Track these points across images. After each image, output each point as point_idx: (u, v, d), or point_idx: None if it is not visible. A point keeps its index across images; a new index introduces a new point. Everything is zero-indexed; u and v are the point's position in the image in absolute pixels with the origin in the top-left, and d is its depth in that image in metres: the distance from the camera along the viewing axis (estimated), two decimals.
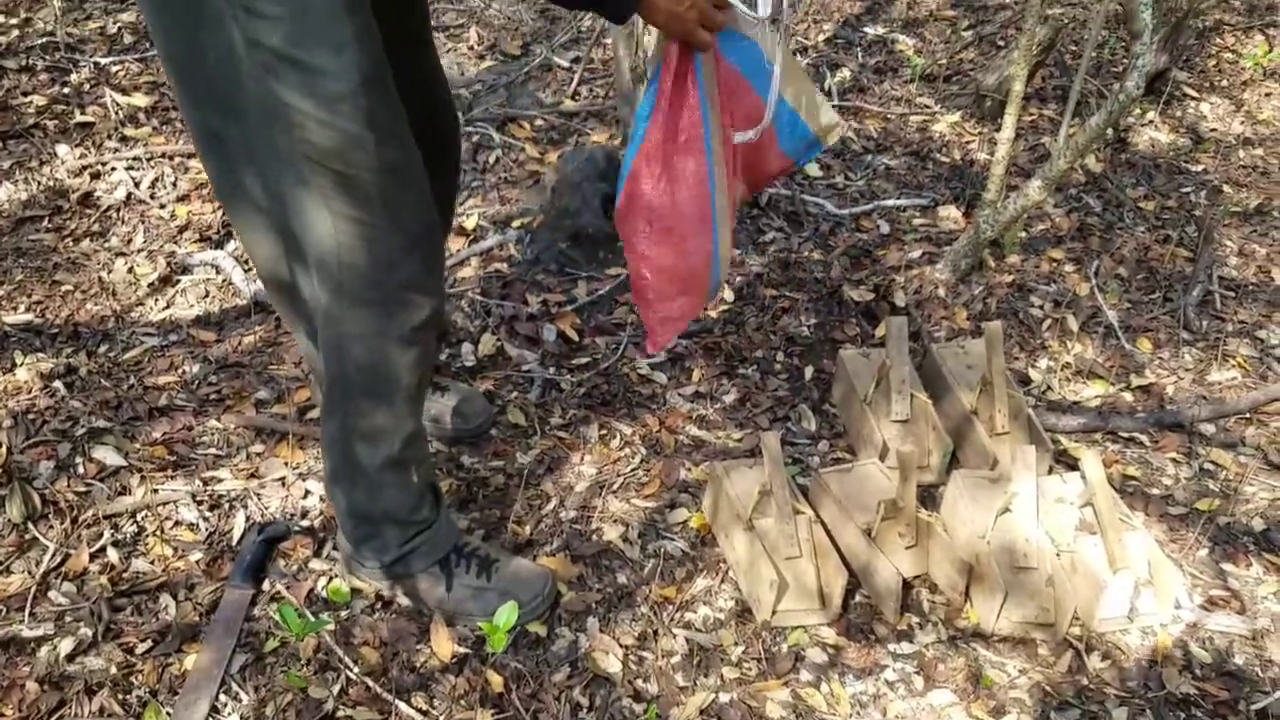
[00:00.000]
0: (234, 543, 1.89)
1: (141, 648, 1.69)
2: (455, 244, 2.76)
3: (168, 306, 2.47)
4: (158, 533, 1.90)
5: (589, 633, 1.80)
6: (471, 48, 3.67)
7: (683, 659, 1.77)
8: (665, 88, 1.54)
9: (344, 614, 1.78)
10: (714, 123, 1.61)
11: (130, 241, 2.66)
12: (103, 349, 2.32)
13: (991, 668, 1.78)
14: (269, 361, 2.30)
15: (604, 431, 2.25)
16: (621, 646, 1.78)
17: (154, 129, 3.01)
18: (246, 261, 2.55)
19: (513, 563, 1.82)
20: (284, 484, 2.02)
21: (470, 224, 2.81)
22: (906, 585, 1.91)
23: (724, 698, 1.71)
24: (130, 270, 2.56)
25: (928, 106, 3.47)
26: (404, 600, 1.78)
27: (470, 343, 2.44)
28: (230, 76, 1.32)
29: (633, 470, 2.16)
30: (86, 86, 3.12)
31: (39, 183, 2.78)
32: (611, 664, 1.75)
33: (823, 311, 2.65)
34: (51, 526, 1.90)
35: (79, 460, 2.03)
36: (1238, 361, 2.54)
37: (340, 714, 1.61)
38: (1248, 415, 2.38)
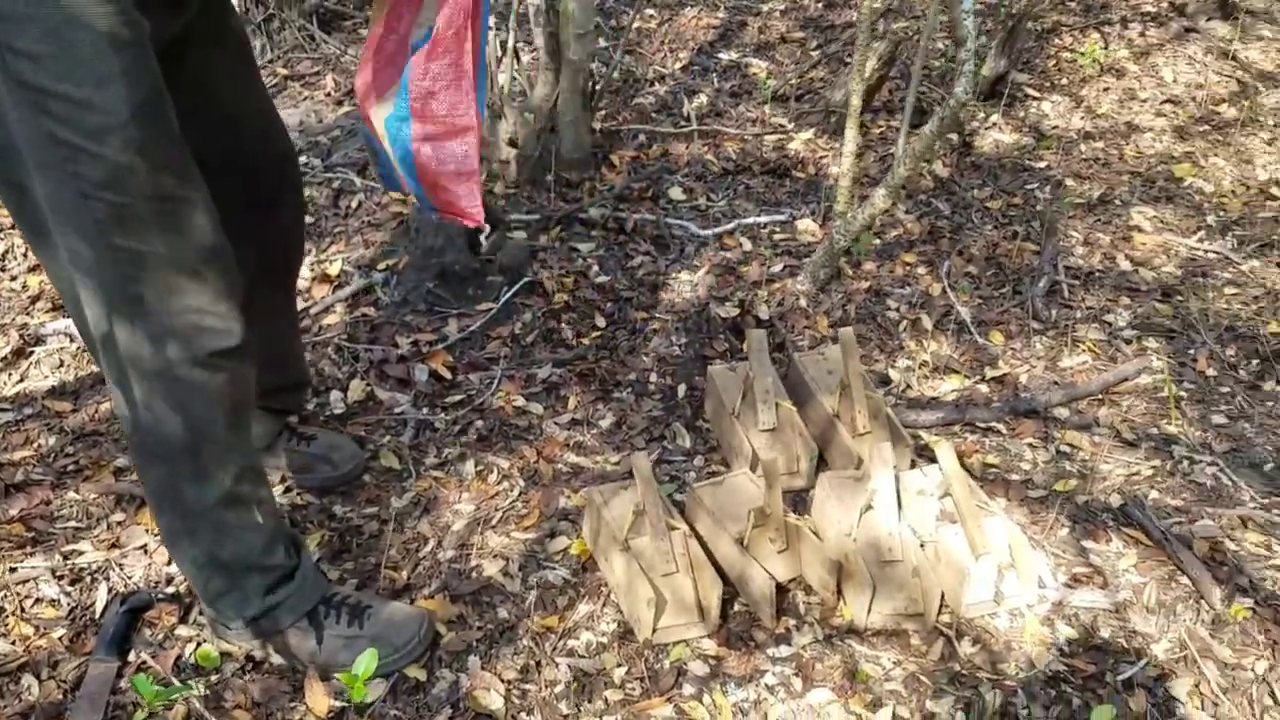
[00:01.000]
0: (97, 616, 1.84)
1: None
2: (319, 291, 2.73)
3: (21, 380, 2.40)
4: (17, 612, 1.83)
5: (470, 671, 1.79)
6: (329, 94, 3.65)
7: (566, 687, 1.78)
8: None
9: (215, 679, 1.74)
10: None
11: None
12: None
13: (867, 662, 1.83)
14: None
15: (480, 467, 2.25)
16: (503, 682, 1.78)
17: None
18: None
19: (386, 608, 1.80)
20: (146, 551, 1.97)
21: (334, 270, 2.79)
22: (781, 589, 1.94)
23: None
24: None
25: (782, 126, 3.56)
26: (276, 658, 1.75)
27: (339, 390, 2.42)
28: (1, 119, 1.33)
29: (511, 503, 2.16)
30: None
31: None
32: (494, 700, 1.74)
33: (692, 330, 2.69)
34: None
35: None
36: (1087, 346, 2.65)
37: None
38: (1099, 397, 2.48)
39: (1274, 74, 4.02)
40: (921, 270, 2.88)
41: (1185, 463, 2.27)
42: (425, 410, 2.39)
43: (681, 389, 2.50)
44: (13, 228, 2.82)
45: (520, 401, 2.44)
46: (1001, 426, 2.37)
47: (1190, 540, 2.04)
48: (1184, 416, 2.41)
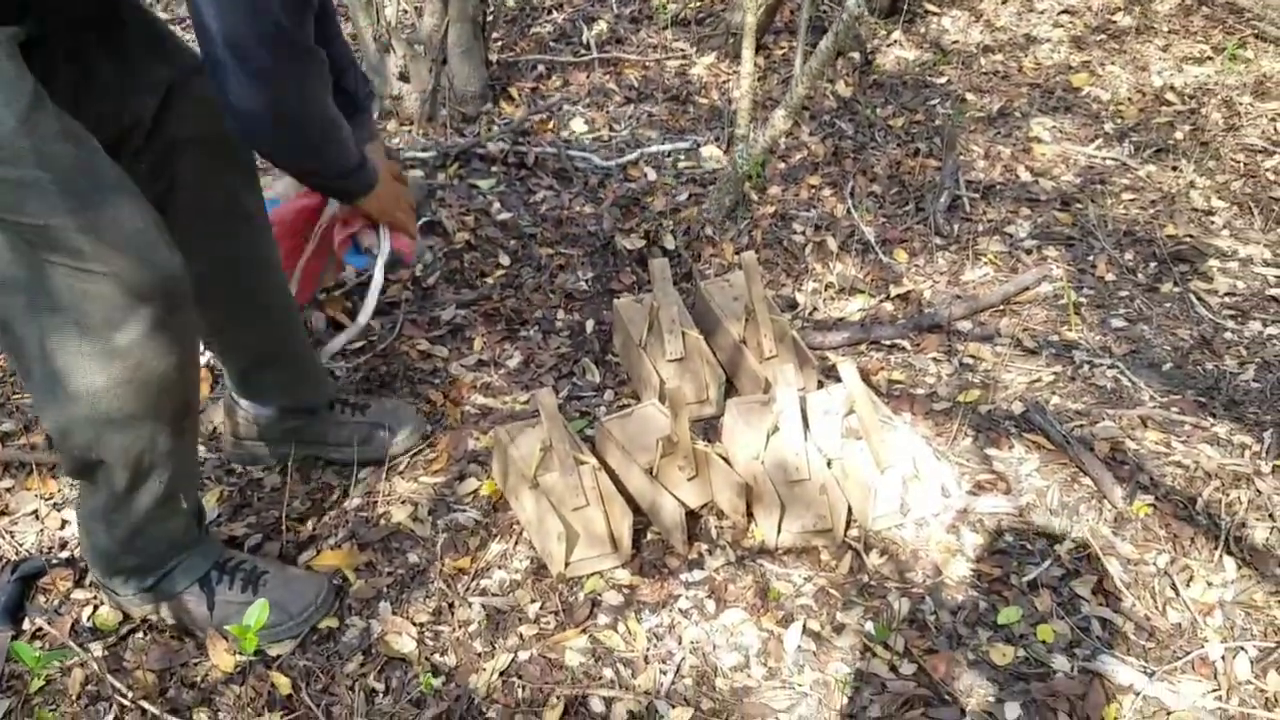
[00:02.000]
0: None
1: None
2: None
3: None
4: None
5: (381, 618, 1.77)
6: None
7: (480, 626, 1.76)
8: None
9: (113, 641, 1.69)
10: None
11: None
12: None
13: (778, 580, 1.84)
14: (10, 392, 2.16)
15: None
16: (415, 625, 1.76)
17: None
18: None
19: (284, 573, 1.75)
20: (38, 517, 1.90)
21: None
22: (693, 516, 1.94)
23: (523, 655, 1.70)
24: None
25: (683, 51, 3.51)
26: (170, 621, 1.70)
27: None
28: None
29: (419, 448, 2.13)
30: None
31: None
32: (406, 644, 1.72)
33: (598, 264, 2.66)
34: None
35: None
36: (989, 259, 2.68)
37: None
38: (1001, 308, 2.51)
39: None
40: (826, 192, 2.88)
41: (1085, 367, 2.31)
42: (325, 360, 2.33)
43: (590, 324, 2.48)
44: None
45: (424, 345, 2.39)
46: (906, 343, 2.38)
47: (1091, 442, 2.08)
48: (1084, 322, 2.45)
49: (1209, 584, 1.82)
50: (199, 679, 1.64)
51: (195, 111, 1.61)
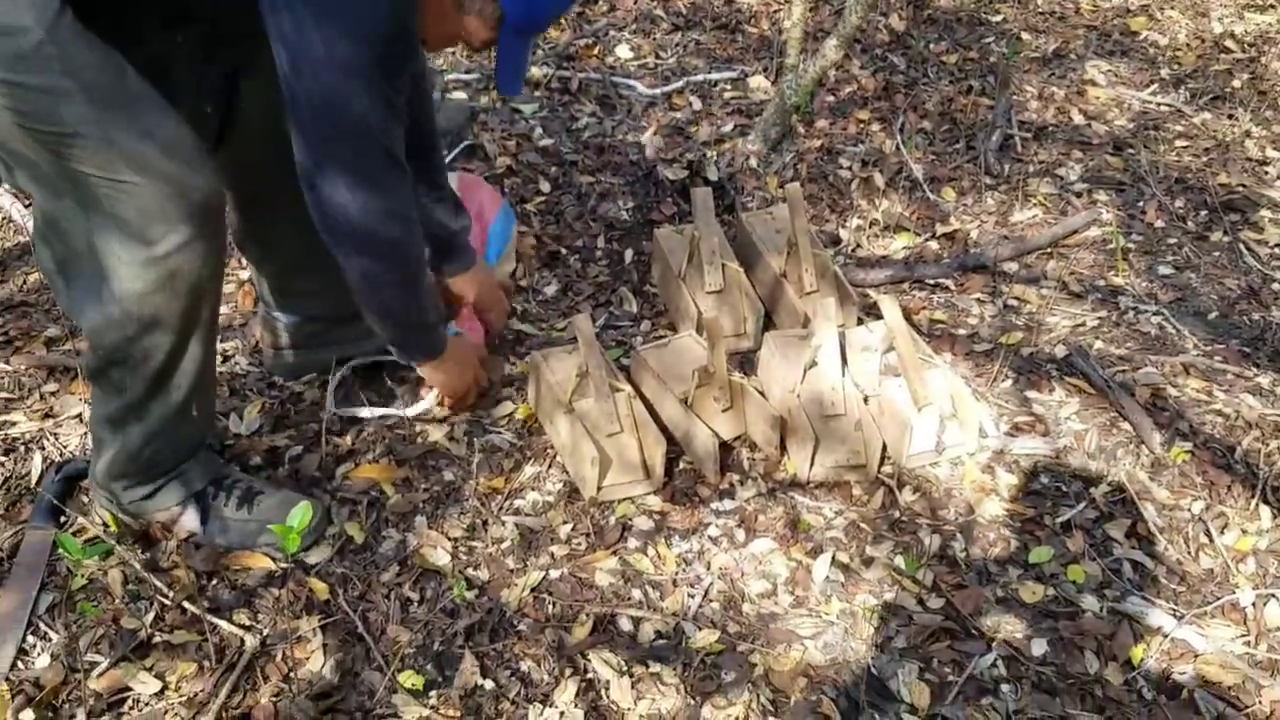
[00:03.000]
0: (33, 484, 1.82)
1: None
2: None
3: None
4: None
5: (416, 531, 1.79)
6: None
7: (513, 544, 1.78)
8: None
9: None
10: None
11: None
12: None
13: (808, 513, 1.84)
14: (54, 299, 2.19)
15: None
16: (450, 539, 1.78)
17: None
18: (26, 198, 2.41)
19: (279, 494, 1.76)
20: (80, 420, 1.93)
21: None
22: (726, 446, 1.95)
23: (554, 574, 1.73)
24: None
25: None
26: (162, 531, 1.73)
27: None
28: None
29: None
30: None
31: None
32: (440, 557, 1.75)
33: (640, 194, 2.64)
34: None
35: None
36: (1038, 200, 2.63)
37: (157, 640, 1.57)
38: (1048, 250, 2.47)
39: None
40: (875, 127, 2.83)
41: (1130, 313, 2.28)
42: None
43: (629, 254, 2.47)
44: None
45: None
46: (950, 283, 2.36)
47: (1132, 388, 2.06)
48: (1131, 268, 2.41)
49: (1244, 531, 1.80)
50: (239, 581, 1.68)
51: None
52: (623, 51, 3.11)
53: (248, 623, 1.62)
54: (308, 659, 1.58)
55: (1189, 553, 1.79)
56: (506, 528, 1.81)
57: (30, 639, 1.58)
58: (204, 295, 1.51)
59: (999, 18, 3.37)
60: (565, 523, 1.83)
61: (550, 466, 1.93)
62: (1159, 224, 2.56)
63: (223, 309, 2.19)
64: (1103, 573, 1.74)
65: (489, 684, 1.55)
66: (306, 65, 1.38)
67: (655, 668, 1.58)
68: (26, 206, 2.40)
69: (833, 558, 1.75)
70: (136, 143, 1.36)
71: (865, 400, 1.92)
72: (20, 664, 1.54)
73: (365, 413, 2.00)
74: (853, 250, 2.47)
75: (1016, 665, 1.60)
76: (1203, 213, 2.61)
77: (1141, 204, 2.62)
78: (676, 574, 1.74)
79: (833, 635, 1.64)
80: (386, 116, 1.46)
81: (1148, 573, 1.75)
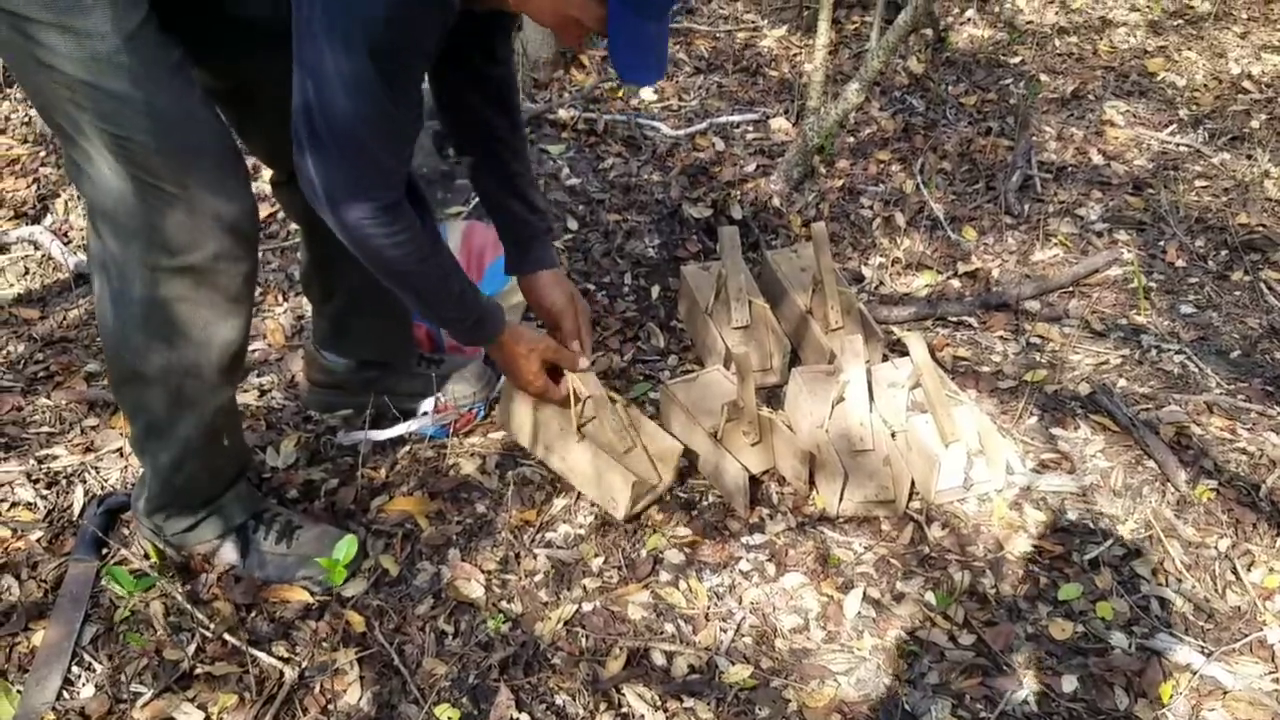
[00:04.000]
0: (74, 518, 1.84)
1: None
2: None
3: None
4: None
5: (450, 563, 1.81)
6: None
7: (545, 576, 1.80)
8: None
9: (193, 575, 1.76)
10: None
11: None
12: None
13: (838, 548, 1.86)
14: (96, 334, 2.23)
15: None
16: (484, 572, 1.80)
17: None
18: (65, 234, 2.46)
19: (317, 529, 1.78)
20: (121, 454, 1.96)
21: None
22: (755, 481, 1.97)
23: (586, 607, 1.75)
24: None
25: (754, 23, 3.51)
26: (203, 562, 1.75)
27: None
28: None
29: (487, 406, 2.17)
30: None
31: None
32: (474, 590, 1.77)
33: (665, 231, 2.68)
34: None
35: None
36: (1059, 240, 2.66)
37: (199, 672, 1.60)
38: (1070, 289, 2.50)
39: None
40: (895, 168, 2.87)
41: (1153, 351, 2.30)
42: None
43: (655, 290, 2.50)
44: None
45: None
46: (973, 320, 2.39)
47: (1156, 426, 2.08)
48: (1153, 307, 2.44)
49: (1271, 569, 1.81)
50: (277, 614, 1.70)
51: None
52: (647, 94, 3.16)
53: (286, 655, 1.64)
54: (345, 691, 1.59)
55: (1216, 590, 1.80)
56: (539, 560, 1.83)
57: (75, 670, 1.60)
58: (218, 320, 1.52)
59: (1017, 59, 3.42)
60: (597, 555, 1.85)
61: (578, 498, 1.96)
62: (1180, 263, 2.59)
63: (258, 344, 2.26)
64: (1131, 609, 1.75)
65: (524, 717, 1.57)
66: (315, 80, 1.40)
67: (689, 702, 1.59)
68: (66, 243, 2.45)
69: (864, 593, 1.77)
70: (183, 158, 1.40)
71: (893, 436, 1.95)
72: (66, 694, 1.57)
73: (373, 434, 2.03)
74: (875, 288, 2.50)
75: (1048, 701, 1.61)
76: (1223, 252, 2.64)
77: (1162, 243, 2.65)
78: (708, 608, 1.75)
79: (865, 671, 1.65)
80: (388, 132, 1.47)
81: (1175, 610, 1.76)
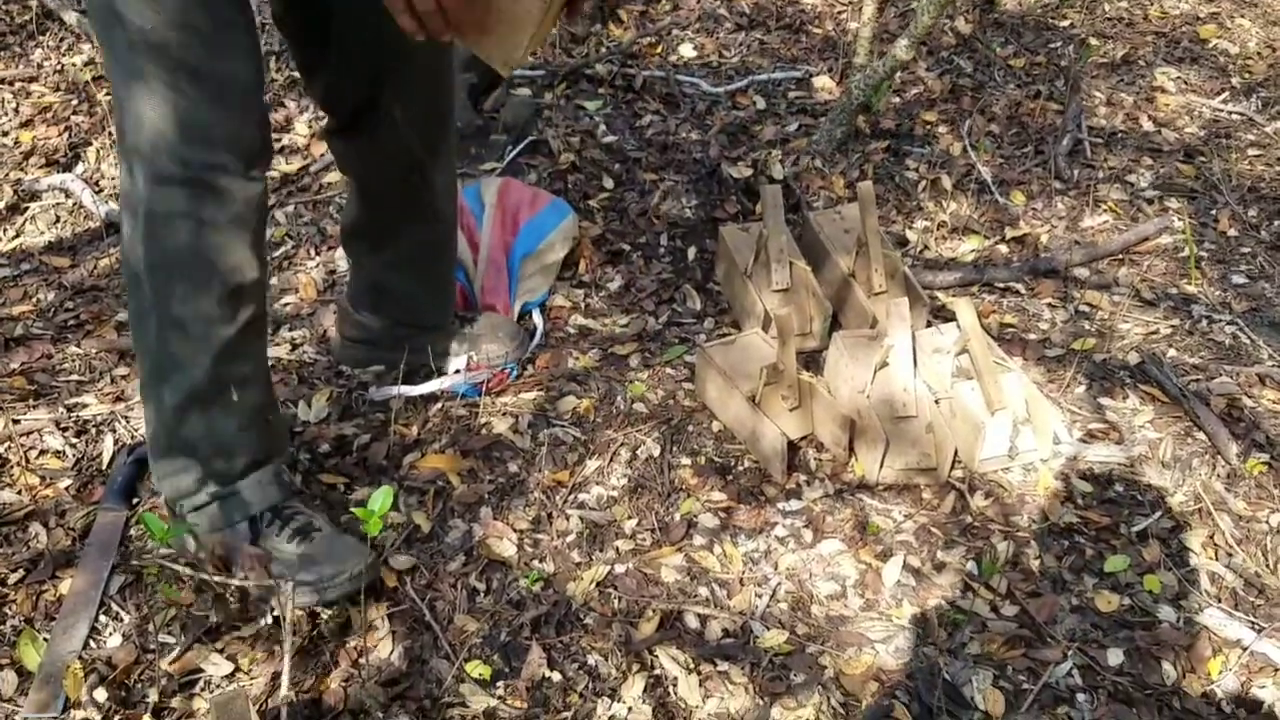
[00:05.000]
0: (104, 467, 1.83)
1: (13, 577, 1.64)
2: (318, 149, 2.66)
3: (17, 235, 2.35)
4: (22, 462, 1.82)
5: (482, 522, 1.79)
6: None
7: (578, 537, 1.77)
8: None
9: None
10: None
11: None
12: None
13: (878, 515, 1.82)
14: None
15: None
16: (516, 531, 1.78)
17: None
18: (97, 183, 2.44)
19: (334, 534, 1.65)
20: None
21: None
22: (793, 446, 1.93)
23: (619, 568, 1.72)
24: None
25: None
26: (219, 553, 1.68)
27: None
28: None
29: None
30: None
31: None
32: (506, 548, 1.74)
33: (703, 191, 2.63)
34: None
35: None
36: (1109, 206, 2.59)
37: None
38: (1120, 256, 2.43)
39: None
40: (942, 129, 2.80)
41: (1204, 321, 2.24)
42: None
43: (692, 251, 2.45)
44: (3, 82, 2.74)
45: None
46: (1020, 286, 2.33)
47: (1207, 397, 2.02)
48: (1204, 276, 2.37)
49: None
50: None
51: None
52: (686, 50, 3.10)
53: (314, 610, 1.62)
54: (376, 646, 1.57)
55: (1267, 565, 1.74)
56: (571, 521, 1.80)
57: (102, 619, 1.59)
58: (228, 239, 1.47)
59: (1066, 23, 3.33)
60: (630, 517, 1.81)
61: (612, 461, 1.92)
62: (1232, 232, 2.52)
63: (290, 298, 2.24)
64: (1179, 583, 1.70)
65: (556, 676, 1.54)
66: None
67: (723, 666, 1.56)
68: (98, 192, 2.43)
69: (904, 561, 1.73)
70: (213, 64, 1.39)
71: (936, 403, 1.90)
72: (92, 643, 1.56)
73: (406, 389, 2.00)
74: (920, 252, 2.44)
75: (1093, 674, 1.57)
76: (1276, 222, 2.55)
77: (1214, 212, 2.58)
78: (743, 573, 1.72)
79: (904, 640, 1.61)
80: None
81: (1225, 584, 1.71)
